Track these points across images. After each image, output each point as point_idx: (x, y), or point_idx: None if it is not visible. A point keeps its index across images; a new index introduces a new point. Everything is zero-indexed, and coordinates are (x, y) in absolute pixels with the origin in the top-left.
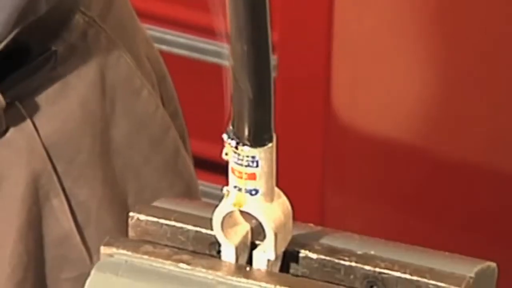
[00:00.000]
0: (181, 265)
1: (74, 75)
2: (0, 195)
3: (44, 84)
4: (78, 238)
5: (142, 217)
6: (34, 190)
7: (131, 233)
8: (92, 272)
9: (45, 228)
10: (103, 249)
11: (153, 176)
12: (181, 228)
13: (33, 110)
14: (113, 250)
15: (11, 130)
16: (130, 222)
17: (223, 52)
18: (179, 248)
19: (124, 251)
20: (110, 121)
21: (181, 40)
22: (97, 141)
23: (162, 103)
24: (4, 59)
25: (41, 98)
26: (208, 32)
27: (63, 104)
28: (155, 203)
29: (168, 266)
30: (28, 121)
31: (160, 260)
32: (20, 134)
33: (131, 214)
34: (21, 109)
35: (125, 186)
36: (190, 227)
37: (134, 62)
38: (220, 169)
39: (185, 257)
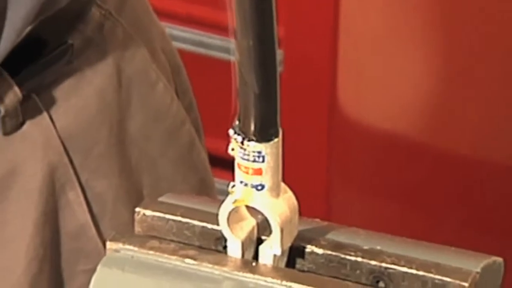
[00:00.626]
0: (187, 260)
1: (90, 68)
2: (16, 188)
3: (61, 77)
4: (94, 230)
5: (148, 212)
6: (51, 183)
7: (137, 228)
8: (98, 267)
9: (61, 221)
10: (109, 245)
11: (168, 168)
12: (187, 223)
13: (49, 103)
14: (119, 245)
15: (28, 123)
16: (136, 217)
17: (229, 47)
18: (185, 244)
19: (130, 247)
20: (126, 114)
21: (188, 35)
22: (113, 133)
23: (177, 95)
24: (21, 52)
25: (58, 91)
26: (215, 27)
27: (79, 97)
28: (161, 199)
29: (174, 261)
30: (45, 114)
31: (166, 255)
32: (36, 127)
33: (137, 209)
34: (37, 101)
35: (141, 178)
36: (196, 222)
37: (149, 55)
38: (226, 165)
39: (191, 252)
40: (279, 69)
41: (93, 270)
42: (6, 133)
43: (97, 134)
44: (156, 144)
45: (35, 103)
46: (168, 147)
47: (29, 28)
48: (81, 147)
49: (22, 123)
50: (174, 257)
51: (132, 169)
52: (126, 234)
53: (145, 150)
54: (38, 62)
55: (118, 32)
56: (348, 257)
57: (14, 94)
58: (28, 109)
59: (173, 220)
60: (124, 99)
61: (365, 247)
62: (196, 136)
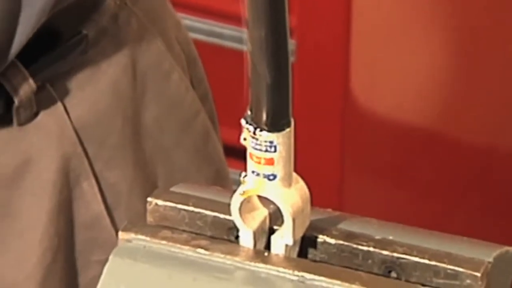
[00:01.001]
0: (199, 250)
1: (105, 59)
2: (30, 179)
3: (75, 67)
4: (108, 220)
5: (160, 202)
6: (65, 173)
7: (149, 218)
8: (110, 257)
9: (75, 211)
10: (121, 235)
11: (183, 158)
12: (199, 213)
13: (64, 93)
14: (132, 235)
15: (42, 114)
16: (149, 207)
17: (242, 37)
18: (197, 234)
19: (143, 237)
20: (140, 104)
21: (200, 25)
22: (127, 124)
23: (192, 86)
24: (35, 42)
25: (72, 81)
26: (227, 17)
27: (94, 87)
28: (173, 188)
29: (186, 251)
30: (59, 104)
31: (178, 245)
32: (50, 117)
33: (149, 199)
34: (52, 92)
35: (155, 168)
36: (208, 212)
37: (164, 46)
38: (238, 154)
39: (203, 242)
40: (291, 59)
41: (107, 260)
42: (20, 124)
43: (111, 125)
44: (171, 134)
45: (49, 93)
46: (182, 137)
47: (43, 20)
48: (95, 138)
49: (37, 114)
50: (186, 247)
51: (146, 160)
52: (138, 224)
53: (160, 141)
54: (53, 52)
55: (133, 23)
56: (360, 247)
57: (28, 85)
58: (42, 100)
59: (185, 210)
60: (138, 90)
61: (377, 237)
62: (211, 127)
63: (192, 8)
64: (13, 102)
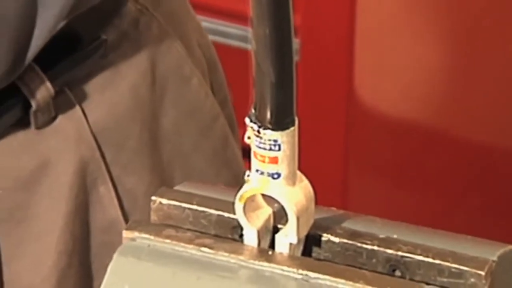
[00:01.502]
0: (204, 249)
1: (124, 63)
2: (48, 182)
3: (94, 71)
4: (124, 225)
5: (164, 201)
6: (82, 177)
7: (153, 217)
8: (115, 256)
9: (91, 215)
10: (125, 233)
11: (201, 163)
12: (204, 212)
13: (82, 97)
14: (136, 234)
15: (60, 117)
16: (152, 206)
17: (246, 36)
18: (201, 232)
19: (147, 235)
20: (159, 109)
21: (204, 24)
22: (146, 128)
23: (212, 90)
24: (54, 46)
25: (91, 85)
26: (231, 15)
27: (112, 91)
28: (178, 187)
29: (190, 250)
30: (77, 108)
31: (183, 244)
32: (69, 121)
33: (153, 198)
34: (70, 96)
35: (173, 173)
36: (212, 211)
37: (185, 50)
38: (243, 153)
39: (208, 241)
40: (296, 58)
41: None
42: (38, 127)
43: (129, 129)
44: (190, 139)
45: (67, 97)
46: (201, 142)
47: (62, 23)
48: (113, 142)
49: (55, 117)
50: (190, 246)
51: (164, 164)
52: (142, 222)
53: (178, 146)
54: (72, 56)
55: (153, 27)
56: (364, 245)
57: (46, 89)
58: (60, 103)
59: (189, 209)
60: (157, 95)
61: (382, 236)
62: (230, 132)
63: (197, 7)
64: (30, 105)
